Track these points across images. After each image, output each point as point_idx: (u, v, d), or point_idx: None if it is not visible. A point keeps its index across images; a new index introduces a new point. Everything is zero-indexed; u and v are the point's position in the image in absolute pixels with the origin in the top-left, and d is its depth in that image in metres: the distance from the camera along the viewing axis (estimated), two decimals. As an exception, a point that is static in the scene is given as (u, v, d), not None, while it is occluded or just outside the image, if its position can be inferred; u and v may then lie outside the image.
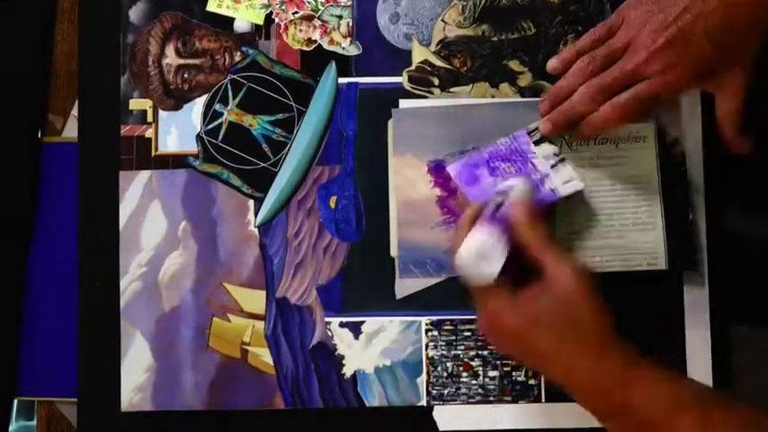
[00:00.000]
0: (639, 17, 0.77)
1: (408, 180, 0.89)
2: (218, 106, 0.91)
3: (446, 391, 0.88)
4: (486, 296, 0.75)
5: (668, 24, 0.75)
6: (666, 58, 0.75)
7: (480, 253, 0.74)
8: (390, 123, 0.90)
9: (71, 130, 0.93)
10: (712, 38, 0.73)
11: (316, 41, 0.91)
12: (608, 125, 0.80)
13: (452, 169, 0.85)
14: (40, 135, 0.94)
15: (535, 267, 0.74)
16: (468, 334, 0.89)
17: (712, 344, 0.88)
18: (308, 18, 0.91)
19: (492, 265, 0.74)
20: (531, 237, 0.74)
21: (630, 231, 0.86)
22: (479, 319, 0.77)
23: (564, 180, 0.84)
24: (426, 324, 0.89)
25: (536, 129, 0.85)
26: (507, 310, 0.73)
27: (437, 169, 0.88)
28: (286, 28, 0.91)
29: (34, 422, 0.92)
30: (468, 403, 0.88)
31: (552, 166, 0.84)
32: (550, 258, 0.73)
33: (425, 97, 0.90)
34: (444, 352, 0.89)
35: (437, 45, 0.91)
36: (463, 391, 0.88)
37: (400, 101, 0.90)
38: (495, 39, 0.90)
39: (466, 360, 0.89)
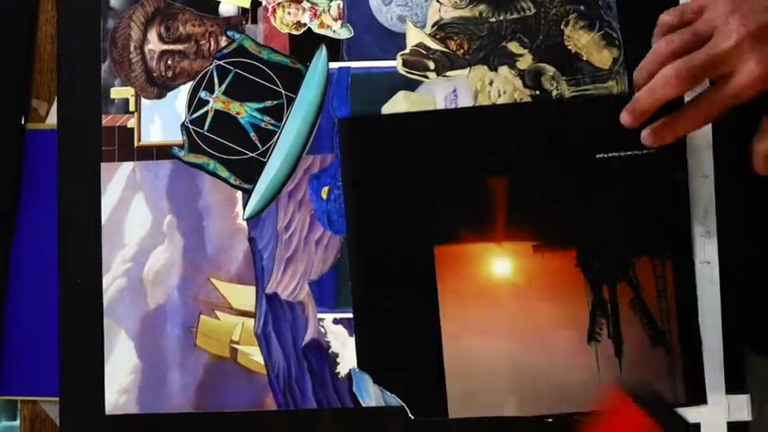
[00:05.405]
0: (725, 3, 0.73)
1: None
2: (203, 94, 0.90)
3: (444, 391, 0.87)
4: None
5: (759, 10, 0.71)
6: (758, 46, 0.70)
7: None
8: (384, 109, 0.88)
9: (56, 117, 0.92)
10: None
11: (305, 25, 0.90)
12: (691, 128, 0.77)
13: None
14: (23, 121, 0.93)
15: None
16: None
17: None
18: (297, 0, 0.89)
19: None
20: None
21: None
22: None
23: None
24: (423, 321, 0.88)
25: None
26: None
27: None
28: (274, 11, 0.90)
29: (17, 422, 0.92)
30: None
31: None
32: None
33: (421, 82, 0.88)
34: (442, 350, 0.88)
35: (432, 27, 0.89)
36: (462, 390, 0.87)
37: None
38: (494, 20, 0.89)
39: (465, 358, 0.87)
